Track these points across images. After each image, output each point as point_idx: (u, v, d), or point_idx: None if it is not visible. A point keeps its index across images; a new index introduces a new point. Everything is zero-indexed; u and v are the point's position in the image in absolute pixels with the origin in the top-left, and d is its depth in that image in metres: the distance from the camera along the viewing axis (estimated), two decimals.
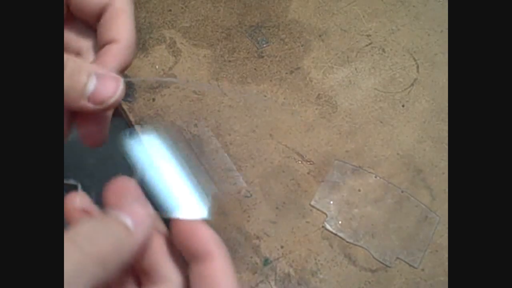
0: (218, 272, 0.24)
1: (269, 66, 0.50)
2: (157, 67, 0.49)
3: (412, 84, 0.49)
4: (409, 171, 0.45)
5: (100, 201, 0.30)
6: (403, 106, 0.48)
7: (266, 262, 0.41)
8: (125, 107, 0.47)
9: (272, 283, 0.40)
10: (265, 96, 0.48)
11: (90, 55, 0.31)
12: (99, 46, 0.30)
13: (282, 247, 0.42)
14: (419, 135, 0.47)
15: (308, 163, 0.45)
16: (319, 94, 0.48)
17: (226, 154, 0.45)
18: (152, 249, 0.26)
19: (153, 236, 0.26)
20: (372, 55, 0.51)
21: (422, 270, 0.41)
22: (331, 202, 0.43)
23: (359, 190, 0.44)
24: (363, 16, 0.53)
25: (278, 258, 0.41)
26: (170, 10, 0.52)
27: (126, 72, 0.50)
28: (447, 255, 0.41)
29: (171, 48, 0.50)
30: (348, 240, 0.42)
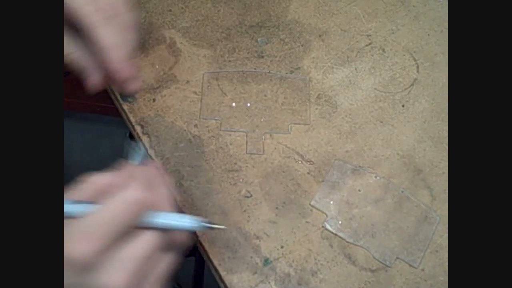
0: None
1: (269, 66, 0.50)
2: (157, 67, 0.49)
3: (412, 84, 0.49)
4: (409, 171, 0.45)
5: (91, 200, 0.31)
6: (403, 106, 0.48)
7: (266, 262, 0.41)
8: (125, 107, 0.47)
9: (272, 283, 0.40)
10: (265, 96, 0.48)
11: None
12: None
13: (282, 247, 0.42)
14: (419, 135, 0.47)
15: (308, 163, 0.45)
16: (319, 94, 0.48)
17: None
18: None
19: None
20: (372, 55, 0.51)
21: (422, 270, 0.41)
22: (331, 202, 0.43)
23: (359, 190, 0.44)
24: (363, 16, 0.53)
25: (278, 258, 0.41)
26: (170, 10, 0.52)
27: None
28: (447, 255, 0.41)
29: (171, 48, 0.50)
30: (348, 240, 0.42)
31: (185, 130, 0.46)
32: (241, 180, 0.44)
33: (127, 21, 0.41)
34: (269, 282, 0.40)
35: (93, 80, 0.42)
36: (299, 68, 0.50)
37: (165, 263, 0.33)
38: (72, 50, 0.40)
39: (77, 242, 0.29)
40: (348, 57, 0.50)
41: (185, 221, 0.33)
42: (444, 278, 0.41)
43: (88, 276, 0.29)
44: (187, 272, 0.86)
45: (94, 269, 0.29)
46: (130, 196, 0.31)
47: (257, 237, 0.42)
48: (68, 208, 0.31)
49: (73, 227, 0.29)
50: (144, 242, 0.31)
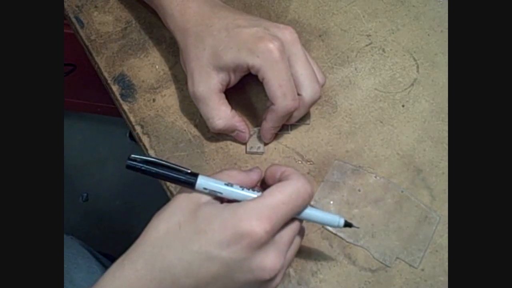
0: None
1: None
2: (157, 67, 0.49)
3: (412, 84, 0.49)
4: (409, 171, 0.45)
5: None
6: (403, 106, 0.48)
7: None
8: (125, 107, 0.47)
9: None
10: (265, 96, 0.48)
11: None
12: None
13: None
14: (419, 135, 0.47)
15: (308, 163, 0.45)
16: None
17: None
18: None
19: None
20: (372, 55, 0.51)
21: (422, 270, 0.41)
22: (331, 202, 0.43)
23: (359, 190, 0.44)
24: (363, 16, 0.53)
25: None
26: None
27: (127, 72, 0.51)
28: (447, 255, 0.41)
29: (171, 48, 0.50)
30: (348, 240, 0.42)
31: (185, 130, 0.46)
32: None
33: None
34: None
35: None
36: None
37: (297, 246, 0.37)
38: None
39: (255, 221, 0.31)
40: (348, 57, 0.50)
41: (325, 217, 0.36)
42: (444, 278, 0.41)
43: (255, 253, 0.32)
44: None
45: (262, 248, 0.32)
46: (303, 189, 0.33)
47: None
48: (239, 193, 0.34)
49: (249, 207, 0.32)
50: (292, 229, 0.34)
